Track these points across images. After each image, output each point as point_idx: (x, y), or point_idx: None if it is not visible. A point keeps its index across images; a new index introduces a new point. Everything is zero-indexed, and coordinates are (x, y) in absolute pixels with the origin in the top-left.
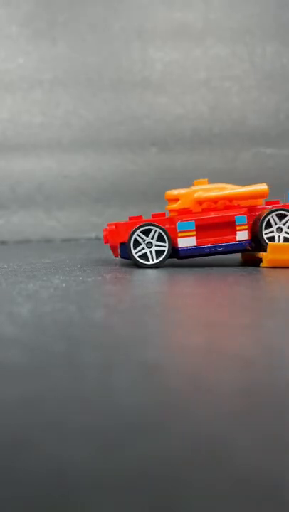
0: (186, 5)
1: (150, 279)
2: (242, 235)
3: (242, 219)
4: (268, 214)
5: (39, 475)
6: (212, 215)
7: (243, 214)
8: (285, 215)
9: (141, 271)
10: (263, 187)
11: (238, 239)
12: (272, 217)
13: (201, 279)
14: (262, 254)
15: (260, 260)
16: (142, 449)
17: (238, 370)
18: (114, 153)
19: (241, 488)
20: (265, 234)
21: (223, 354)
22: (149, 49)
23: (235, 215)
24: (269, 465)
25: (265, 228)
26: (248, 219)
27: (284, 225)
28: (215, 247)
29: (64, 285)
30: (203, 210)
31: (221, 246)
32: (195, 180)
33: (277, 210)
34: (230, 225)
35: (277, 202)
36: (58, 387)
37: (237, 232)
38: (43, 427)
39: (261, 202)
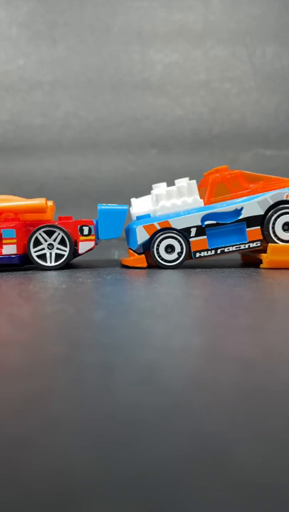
0: (186, 6)
1: (149, 280)
2: (9, 249)
3: (9, 232)
4: (35, 232)
5: (39, 475)
6: None
7: (12, 227)
8: (54, 232)
9: (140, 272)
10: (39, 202)
11: (4, 252)
12: (40, 234)
13: (201, 280)
14: (262, 256)
15: (260, 261)
16: (142, 449)
17: (238, 371)
18: (115, 154)
19: (241, 489)
20: (36, 252)
21: (224, 355)
22: (149, 50)
23: (2, 228)
24: (269, 466)
25: (36, 246)
26: (17, 233)
27: (54, 241)
28: None
29: (64, 286)
30: None
31: None
32: None
33: (43, 227)
34: None
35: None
36: (58, 388)
37: (4, 246)
38: (42, 428)
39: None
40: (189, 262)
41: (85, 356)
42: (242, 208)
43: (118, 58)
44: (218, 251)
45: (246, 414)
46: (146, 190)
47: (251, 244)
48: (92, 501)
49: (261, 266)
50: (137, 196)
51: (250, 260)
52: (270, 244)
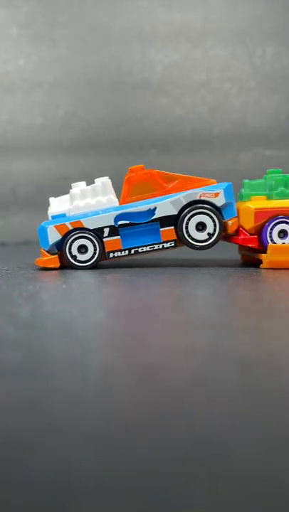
0: (186, 6)
1: (151, 279)
2: None
3: None
4: None
5: (38, 475)
6: None
7: None
8: None
9: (141, 272)
10: None
11: None
12: None
13: (201, 280)
14: (262, 256)
15: (260, 261)
16: (141, 449)
17: (238, 371)
18: (115, 154)
19: (242, 490)
20: None
21: (224, 355)
22: (149, 50)
23: None
24: (269, 466)
25: None
26: None
27: None
28: None
29: (64, 286)
30: None
31: None
32: None
33: None
34: None
35: None
36: (58, 389)
37: None
38: (42, 429)
39: None
40: (190, 262)
41: (85, 357)
42: (155, 208)
43: (118, 58)
44: (132, 251)
45: (246, 414)
46: None
47: (165, 245)
48: (92, 502)
49: (261, 266)
50: None
51: (250, 260)
52: (270, 244)
